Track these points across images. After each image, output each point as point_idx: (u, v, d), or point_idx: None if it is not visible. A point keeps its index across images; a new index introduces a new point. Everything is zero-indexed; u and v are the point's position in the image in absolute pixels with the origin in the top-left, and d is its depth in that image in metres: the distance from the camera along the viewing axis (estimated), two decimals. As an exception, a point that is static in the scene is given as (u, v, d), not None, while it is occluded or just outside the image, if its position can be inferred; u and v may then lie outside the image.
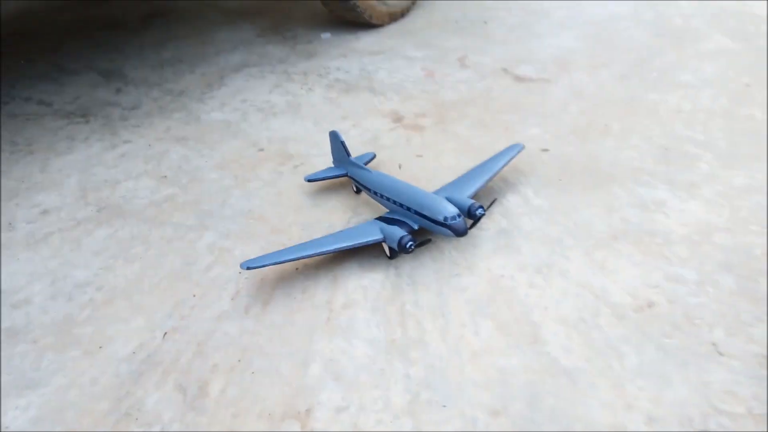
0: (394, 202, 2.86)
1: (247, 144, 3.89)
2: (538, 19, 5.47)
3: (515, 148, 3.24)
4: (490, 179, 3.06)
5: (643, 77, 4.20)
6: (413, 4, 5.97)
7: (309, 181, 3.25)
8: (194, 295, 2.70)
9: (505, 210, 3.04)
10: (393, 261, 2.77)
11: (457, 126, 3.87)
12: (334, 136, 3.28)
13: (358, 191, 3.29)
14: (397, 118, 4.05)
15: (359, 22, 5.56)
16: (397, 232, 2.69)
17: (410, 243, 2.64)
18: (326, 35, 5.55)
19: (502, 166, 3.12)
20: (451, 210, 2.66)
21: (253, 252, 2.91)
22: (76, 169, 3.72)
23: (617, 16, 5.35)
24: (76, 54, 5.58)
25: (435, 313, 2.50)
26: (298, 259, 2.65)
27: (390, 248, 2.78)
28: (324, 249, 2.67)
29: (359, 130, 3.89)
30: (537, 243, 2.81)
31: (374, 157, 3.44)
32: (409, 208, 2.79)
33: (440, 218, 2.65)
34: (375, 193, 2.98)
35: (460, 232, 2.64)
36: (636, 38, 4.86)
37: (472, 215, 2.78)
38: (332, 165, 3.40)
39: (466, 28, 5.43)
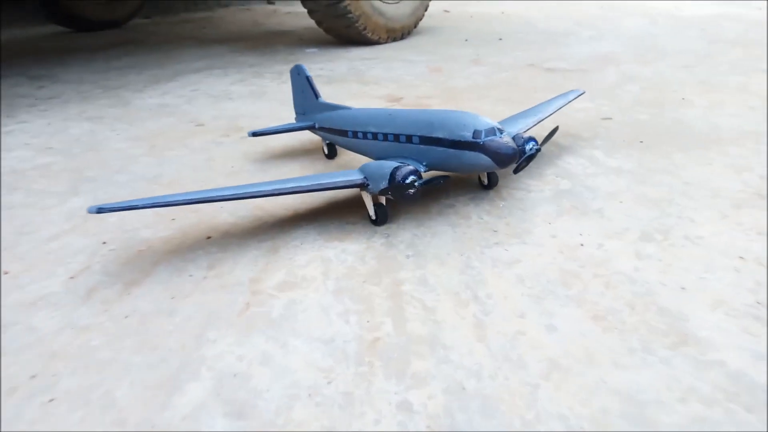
0: (387, 137, 1.70)
1: (183, 121, 2.81)
2: (558, 36, 4.70)
3: (573, 93, 2.13)
4: (540, 120, 1.90)
5: (709, 68, 3.31)
6: (415, 26, 5.18)
7: (255, 135, 2.10)
8: (5, 273, 1.42)
9: (564, 171, 1.90)
10: (380, 227, 1.55)
11: (475, 103, 2.81)
12: (298, 73, 2.17)
13: (330, 153, 2.11)
14: (395, 99, 2.99)
15: (354, 40, 4.72)
16: (389, 164, 1.50)
17: (411, 177, 1.44)
18: (312, 50, 4.68)
19: (556, 108, 1.98)
20: (485, 121, 1.49)
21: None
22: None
23: (642, 30, 4.55)
24: (14, 64, 4.69)
25: (460, 297, 1.25)
26: (202, 201, 1.41)
27: (376, 204, 1.56)
28: (254, 189, 1.45)
29: (341, 109, 2.77)
30: (630, 204, 1.60)
31: (358, 113, 2.30)
32: (410, 138, 1.61)
33: (467, 135, 1.47)
34: (356, 134, 1.81)
35: (505, 156, 1.45)
36: (679, 44, 4.04)
37: (520, 150, 1.59)
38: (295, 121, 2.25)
39: (478, 43, 4.66)
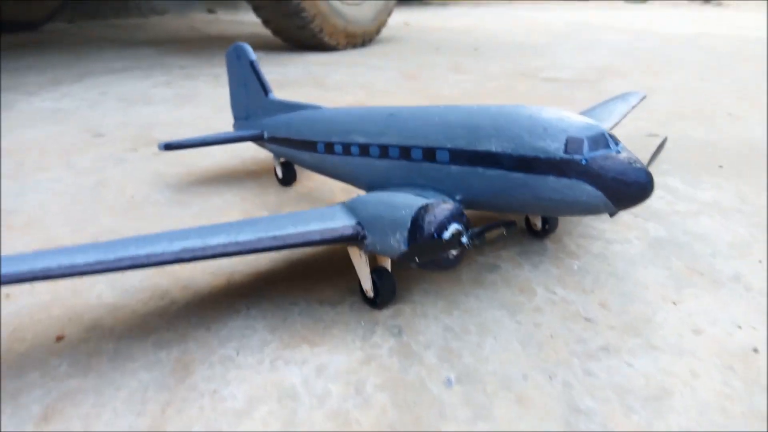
0: (394, 153, 1.02)
1: (77, 129, 2.03)
2: (539, 48, 4.21)
3: (633, 95, 1.53)
4: (615, 124, 1.28)
5: (730, 81, 2.85)
6: (377, 33, 4.56)
7: (169, 148, 1.35)
8: None
9: (642, 209, 1.25)
10: (384, 311, 0.84)
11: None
12: (238, 55, 1.46)
13: (287, 176, 1.40)
14: (366, 105, 2.29)
15: (308, 44, 4.03)
16: (410, 200, 0.79)
17: (455, 226, 0.73)
18: (258, 54, 3.93)
19: (621, 116, 1.36)
20: (585, 122, 0.81)
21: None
22: None
23: (628, 44, 4.12)
24: None
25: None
26: (29, 278, 0.66)
27: (374, 266, 0.86)
28: (126, 254, 0.71)
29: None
30: None
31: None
32: (433, 153, 0.92)
33: (552, 148, 0.79)
34: (331, 147, 1.12)
35: (634, 187, 0.77)
36: (679, 57, 3.63)
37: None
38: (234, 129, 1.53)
39: (452, 52, 4.05)
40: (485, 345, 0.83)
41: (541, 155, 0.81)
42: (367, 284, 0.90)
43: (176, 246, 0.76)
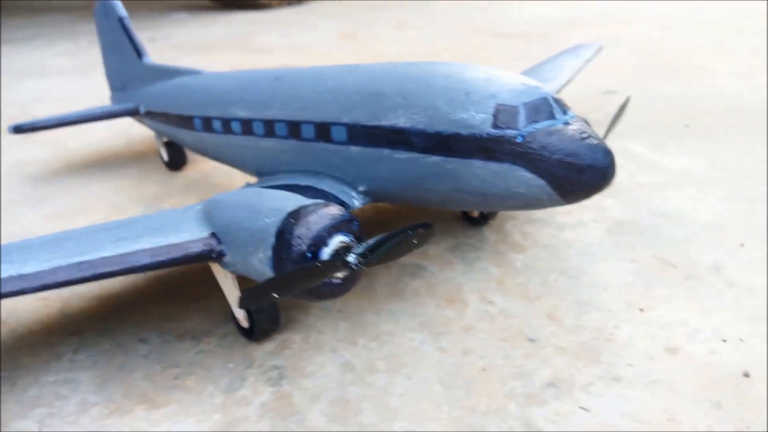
0: (282, 131, 0.76)
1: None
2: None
3: (585, 48, 1.30)
4: (560, 88, 1.04)
5: (698, 29, 2.62)
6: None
7: (19, 131, 1.07)
8: None
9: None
10: (265, 344, 0.58)
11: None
12: (105, 14, 1.16)
13: (174, 158, 1.14)
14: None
15: (239, 2, 3.67)
16: (278, 201, 0.55)
17: (340, 238, 0.49)
18: (181, 14, 3.60)
19: (573, 73, 1.14)
20: (522, 83, 0.57)
21: None
22: None
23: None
24: None
25: None
26: None
27: (247, 290, 0.62)
28: None
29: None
30: (761, 251, 0.74)
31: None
32: (329, 129, 0.67)
33: (478, 119, 0.55)
34: (213, 123, 0.85)
35: (589, 171, 0.53)
36: (644, 5, 3.40)
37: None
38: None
39: (397, 6, 3.73)
40: (395, 390, 0.61)
41: (463, 131, 0.58)
42: (238, 312, 0.66)
43: None
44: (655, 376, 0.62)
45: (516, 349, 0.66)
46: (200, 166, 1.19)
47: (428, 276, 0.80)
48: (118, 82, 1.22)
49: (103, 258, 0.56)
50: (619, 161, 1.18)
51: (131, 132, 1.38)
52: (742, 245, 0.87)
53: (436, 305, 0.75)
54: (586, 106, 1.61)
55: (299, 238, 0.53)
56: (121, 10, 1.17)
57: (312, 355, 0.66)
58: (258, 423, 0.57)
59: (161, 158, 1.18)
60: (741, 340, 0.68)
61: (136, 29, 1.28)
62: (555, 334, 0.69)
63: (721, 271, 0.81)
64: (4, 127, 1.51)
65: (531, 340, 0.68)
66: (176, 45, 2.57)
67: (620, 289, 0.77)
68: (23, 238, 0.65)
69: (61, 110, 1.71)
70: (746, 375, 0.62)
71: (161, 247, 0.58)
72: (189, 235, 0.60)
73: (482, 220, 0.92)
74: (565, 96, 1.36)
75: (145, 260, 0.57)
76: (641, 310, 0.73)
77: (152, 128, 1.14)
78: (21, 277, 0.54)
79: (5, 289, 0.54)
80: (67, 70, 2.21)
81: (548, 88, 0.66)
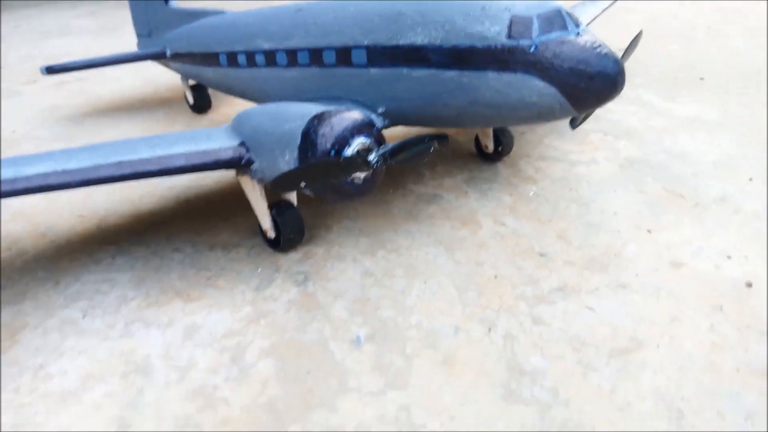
0: (305, 58, 0.79)
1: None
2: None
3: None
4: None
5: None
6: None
7: (51, 71, 1.12)
8: None
9: (613, 125, 1.10)
10: (291, 255, 0.63)
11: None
12: (134, -39, 1.20)
13: (199, 101, 1.18)
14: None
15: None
16: (302, 109, 0.58)
17: (360, 139, 0.52)
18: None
19: (593, 17, 1.15)
20: (526, 3, 0.60)
21: None
22: None
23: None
24: None
25: None
26: None
27: (275, 203, 0.66)
28: None
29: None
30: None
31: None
32: (350, 53, 0.70)
33: (494, 31, 0.57)
34: (241, 60, 0.89)
35: (599, 79, 0.56)
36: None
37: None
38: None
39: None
40: (411, 292, 0.65)
41: (478, 43, 0.61)
42: (266, 222, 0.71)
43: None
44: (660, 285, 0.66)
45: (526, 261, 0.70)
46: (224, 110, 1.23)
47: (444, 203, 0.84)
48: (144, 29, 1.26)
49: (141, 159, 0.61)
50: (632, 108, 1.22)
51: (159, 80, 1.42)
52: (750, 179, 0.90)
53: (451, 226, 0.78)
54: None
55: (323, 136, 0.56)
56: (148, -47, 1.20)
57: (334, 264, 0.70)
58: (285, 315, 0.62)
59: (187, 102, 1.22)
60: (746, 257, 0.71)
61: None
62: (564, 250, 0.72)
63: (728, 201, 0.84)
64: (23, 78, 1.56)
65: (541, 255, 0.71)
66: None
67: (629, 215, 0.80)
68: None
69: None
70: (749, 285, 0.65)
71: (194, 152, 0.62)
72: (220, 143, 0.64)
73: (496, 156, 0.95)
74: None
75: (180, 162, 0.61)
76: (649, 231, 0.76)
77: (178, 71, 1.17)
78: (66, 172, 0.59)
79: (60, 180, 0.58)
80: (89, 30, 2.25)
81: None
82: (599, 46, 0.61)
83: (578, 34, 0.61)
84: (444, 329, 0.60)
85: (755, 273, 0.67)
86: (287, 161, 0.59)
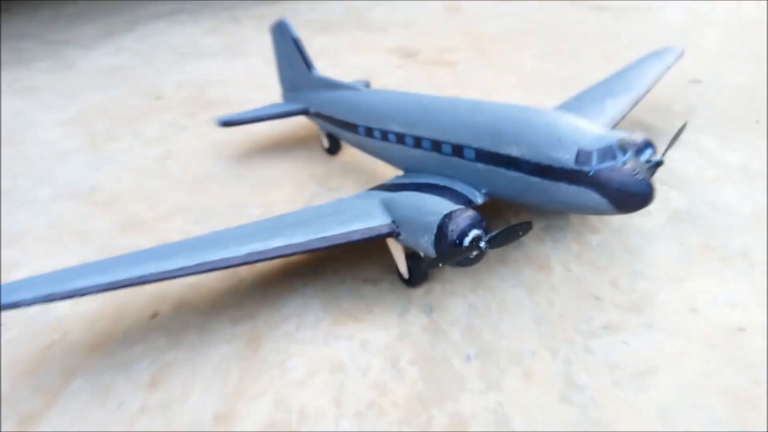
0: (421, 143, 1.13)
1: (137, 91, 2.17)
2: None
3: (668, 53, 1.53)
4: (637, 101, 1.30)
5: None
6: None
7: (225, 124, 1.50)
8: None
9: (669, 173, 1.33)
10: (418, 291, 0.98)
11: (515, 57, 2.17)
12: (281, 32, 1.55)
13: (333, 146, 1.53)
14: (409, 53, 2.34)
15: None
16: (436, 204, 0.92)
17: (475, 232, 0.85)
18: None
19: (655, 79, 1.38)
20: (596, 134, 0.90)
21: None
22: None
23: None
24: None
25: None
26: (133, 284, 0.84)
27: (410, 254, 1.00)
28: (217, 257, 0.88)
29: (341, 69, 2.17)
30: None
31: (368, 85, 1.69)
32: (460, 150, 1.03)
33: (565, 158, 0.90)
34: (370, 132, 1.24)
35: (634, 195, 0.86)
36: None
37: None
38: (282, 102, 1.63)
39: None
40: (503, 323, 0.97)
41: (555, 164, 0.91)
42: (402, 268, 1.04)
43: (243, 250, 0.92)
44: (678, 327, 0.94)
45: (585, 302, 1.00)
46: (351, 152, 1.57)
47: (526, 249, 1.14)
48: (289, 85, 1.61)
49: (335, 234, 0.95)
50: (689, 155, 1.45)
51: (293, 120, 1.78)
52: (772, 235, 1.14)
53: (531, 270, 1.09)
54: (672, 94, 1.82)
55: (452, 231, 0.88)
56: (294, 32, 1.53)
57: (448, 298, 1.03)
58: (420, 336, 0.96)
59: (322, 145, 1.58)
60: (746, 307, 0.97)
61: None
62: (613, 294, 1.01)
63: (748, 255, 1.09)
64: (183, 111, 1.96)
65: (596, 298, 1.01)
66: (303, 23, 2.93)
67: (667, 265, 1.07)
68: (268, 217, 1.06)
69: (227, 93, 2.15)
70: (741, 330, 0.92)
71: (366, 228, 0.96)
72: (380, 221, 0.98)
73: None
74: (656, 86, 1.58)
75: (358, 236, 0.95)
76: (679, 281, 1.03)
77: (317, 124, 1.52)
78: (294, 245, 0.94)
79: (301, 248, 0.93)
80: (217, 51, 2.64)
81: (615, 134, 0.94)
82: (638, 172, 0.88)
83: (624, 162, 0.89)
84: (524, 352, 0.92)
85: (750, 320, 0.94)
86: (426, 241, 0.92)
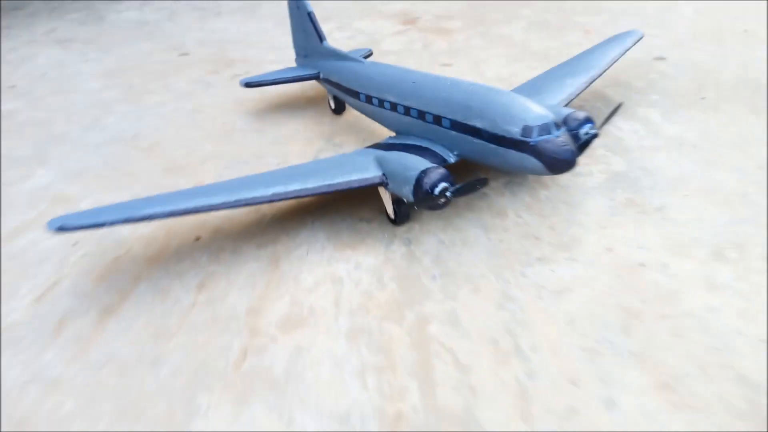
0: (409, 111, 1.39)
1: (164, 47, 2.41)
2: None
3: (629, 36, 1.77)
4: (593, 80, 1.57)
5: None
6: None
7: (248, 86, 1.77)
8: (-38, 288, 1.21)
9: (616, 141, 1.59)
10: (401, 228, 1.29)
11: (505, 28, 2.39)
12: (297, 7, 1.78)
13: (338, 107, 1.80)
14: (409, 20, 2.56)
15: None
16: (415, 162, 1.22)
17: (443, 185, 1.15)
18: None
19: (612, 61, 1.63)
20: (539, 113, 1.18)
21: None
22: None
23: None
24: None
25: (499, 347, 1.03)
26: (184, 213, 1.15)
27: (396, 200, 1.30)
28: (249, 195, 1.19)
29: (348, 33, 2.39)
30: (697, 200, 1.34)
31: (370, 54, 1.94)
32: (439, 119, 1.30)
33: (514, 131, 1.17)
34: (370, 99, 1.50)
35: (562, 162, 1.16)
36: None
37: (572, 136, 1.27)
38: (295, 66, 1.89)
39: None
40: (463, 254, 1.28)
41: (507, 135, 1.19)
42: (390, 210, 1.34)
43: (269, 192, 1.21)
44: (594, 261, 1.24)
45: (527, 241, 1.30)
46: (353, 113, 1.85)
47: (488, 200, 1.44)
48: (302, 52, 1.87)
49: (339, 182, 1.25)
50: (635, 126, 1.73)
51: (303, 83, 2.04)
52: (685, 195, 1.43)
53: (490, 216, 1.39)
54: (636, 71, 2.06)
55: (426, 183, 1.17)
56: (309, 6, 1.78)
57: (424, 235, 1.34)
58: (400, 261, 1.27)
59: (329, 106, 1.85)
60: (650, 249, 1.27)
61: None
62: (550, 236, 1.32)
63: (663, 210, 1.38)
64: (208, 68, 2.21)
65: (536, 238, 1.31)
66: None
67: (596, 215, 1.37)
68: (281, 167, 1.35)
69: (245, 53, 2.39)
70: (642, 265, 1.23)
71: (363, 178, 1.25)
72: (373, 173, 1.27)
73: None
74: (624, 62, 1.85)
75: (356, 185, 1.25)
76: (603, 227, 1.33)
77: (325, 87, 1.79)
78: (308, 189, 1.23)
79: (313, 191, 1.22)
80: (234, 9, 2.86)
81: (561, 111, 1.22)
82: (566, 144, 1.16)
83: (557, 136, 1.16)
84: (476, 275, 1.22)
85: (651, 259, 1.24)
86: (407, 190, 1.20)
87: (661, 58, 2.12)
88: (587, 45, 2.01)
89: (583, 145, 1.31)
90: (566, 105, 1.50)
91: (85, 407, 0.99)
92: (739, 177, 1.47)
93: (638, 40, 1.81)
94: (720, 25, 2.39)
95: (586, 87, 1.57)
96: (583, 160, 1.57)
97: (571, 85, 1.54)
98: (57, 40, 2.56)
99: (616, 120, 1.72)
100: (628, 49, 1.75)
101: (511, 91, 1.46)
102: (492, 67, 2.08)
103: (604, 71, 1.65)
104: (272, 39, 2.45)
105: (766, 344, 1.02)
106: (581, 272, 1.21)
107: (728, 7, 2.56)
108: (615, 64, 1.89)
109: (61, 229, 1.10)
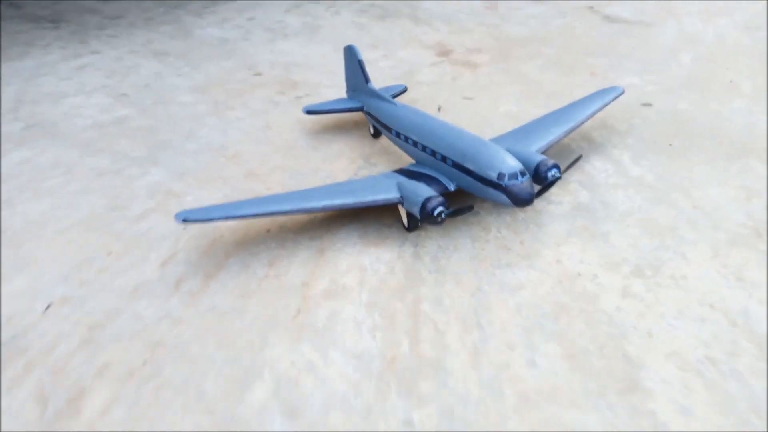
0: (425, 149, 1.89)
1: (242, 66, 2.97)
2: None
3: (611, 92, 2.21)
4: (572, 129, 2.03)
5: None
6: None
7: (309, 113, 2.30)
8: (109, 253, 1.80)
9: (588, 178, 2.03)
10: (412, 234, 1.81)
11: (525, 66, 2.84)
12: (350, 53, 2.30)
13: (375, 134, 2.32)
14: (444, 52, 3.04)
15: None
16: (422, 190, 1.72)
17: (440, 209, 1.66)
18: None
19: (591, 114, 2.09)
20: (511, 164, 1.67)
21: (211, 200, 1.98)
22: (20, 78, 2.86)
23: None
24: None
25: (467, 322, 1.53)
26: (264, 215, 1.70)
27: (409, 214, 1.82)
28: (307, 205, 1.73)
29: (392, 62, 2.90)
30: (636, 230, 1.80)
31: (405, 90, 2.46)
32: (445, 159, 1.80)
33: (492, 175, 1.66)
34: (398, 134, 2.01)
35: (522, 200, 1.65)
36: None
37: (541, 177, 1.77)
38: (345, 96, 2.42)
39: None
40: (453, 257, 1.79)
41: (487, 177, 1.69)
42: (404, 220, 1.87)
43: (320, 204, 1.76)
44: (545, 269, 1.73)
45: (501, 251, 1.80)
46: (386, 141, 2.37)
47: (479, 217, 1.94)
48: (352, 87, 2.40)
49: (368, 200, 1.78)
50: (607, 166, 2.18)
51: (352, 116, 2.57)
52: (627, 225, 1.89)
53: (479, 230, 1.89)
54: (622, 115, 2.49)
55: (427, 207, 1.68)
56: (360, 54, 2.30)
57: (427, 240, 1.86)
58: (409, 259, 1.79)
59: (369, 131, 2.38)
60: (589, 264, 1.75)
61: None
62: (519, 249, 1.81)
63: (608, 236, 1.85)
64: (277, 88, 2.76)
65: (508, 249, 1.81)
66: (365, 7, 3.62)
67: (556, 236, 1.85)
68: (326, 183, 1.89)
69: (306, 76, 2.93)
70: (579, 274, 1.71)
71: (387, 198, 1.78)
72: (394, 194, 1.79)
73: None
74: (615, 106, 2.31)
75: (382, 201, 1.77)
76: (558, 245, 1.82)
77: (367, 118, 2.32)
78: (345, 203, 1.77)
79: (348, 206, 1.77)
80: (298, 32, 3.41)
81: (521, 166, 1.73)
82: (529, 188, 1.65)
83: (522, 182, 1.65)
84: (461, 272, 1.73)
85: (587, 271, 1.72)
86: (415, 210, 1.72)
87: (648, 104, 2.54)
88: (591, 86, 2.46)
89: (548, 185, 1.80)
90: (546, 150, 1.98)
91: (198, 336, 1.57)
92: (676, 214, 1.92)
93: (618, 96, 2.25)
94: (711, 74, 2.78)
95: (566, 135, 2.04)
96: (556, 191, 2.05)
97: (554, 134, 2.02)
98: (154, 52, 3.17)
99: (594, 160, 2.18)
100: (607, 104, 2.20)
101: (508, 133, 1.96)
102: (505, 103, 2.56)
103: (582, 122, 2.11)
104: (329, 63, 2.98)
105: (651, 336, 1.51)
106: (534, 276, 1.71)
107: (723, 56, 2.93)
108: (608, 108, 2.33)
109: (185, 220, 1.67)
